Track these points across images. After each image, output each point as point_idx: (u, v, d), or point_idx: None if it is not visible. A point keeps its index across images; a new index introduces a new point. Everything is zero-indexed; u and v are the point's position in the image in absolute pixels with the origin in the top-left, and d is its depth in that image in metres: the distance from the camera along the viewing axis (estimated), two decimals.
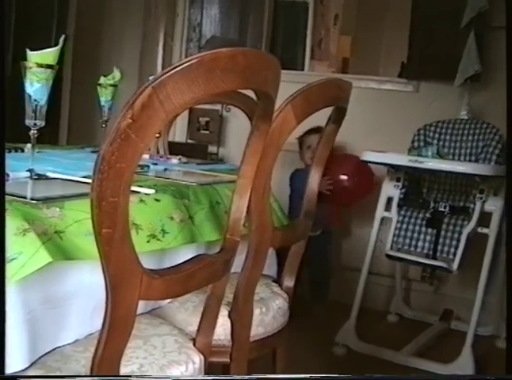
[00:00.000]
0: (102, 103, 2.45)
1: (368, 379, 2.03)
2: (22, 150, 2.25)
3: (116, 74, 2.45)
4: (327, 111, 1.86)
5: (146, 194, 1.64)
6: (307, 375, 1.42)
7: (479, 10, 3.64)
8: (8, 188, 1.42)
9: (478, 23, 3.70)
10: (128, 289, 1.16)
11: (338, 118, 1.90)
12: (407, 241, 3.37)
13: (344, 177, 3.84)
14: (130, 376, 1.35)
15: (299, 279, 2.14)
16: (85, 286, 1.46)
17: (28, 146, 1.87)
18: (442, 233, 3.29)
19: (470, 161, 3.51)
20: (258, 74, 1.28)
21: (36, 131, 1.69)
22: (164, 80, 1.05)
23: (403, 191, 3.44)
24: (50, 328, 1.40)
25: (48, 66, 1.66)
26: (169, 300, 1.83)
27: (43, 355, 1.38)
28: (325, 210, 3.72)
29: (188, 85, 1.08)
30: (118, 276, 1.13)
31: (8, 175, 1.62)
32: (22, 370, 1.30)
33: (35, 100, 1.67)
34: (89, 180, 1.07)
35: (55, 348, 1.42)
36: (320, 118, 1.88)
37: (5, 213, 1.23)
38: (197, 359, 1.52)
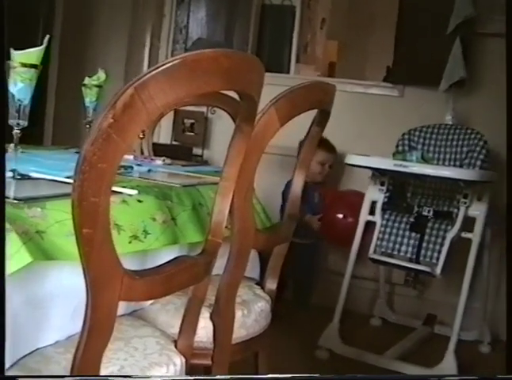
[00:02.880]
0: (87, 104, 2.43)
1: (351, 379, 2.03)
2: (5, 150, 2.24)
3: (101, 74, 2.44)
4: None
5: (128, 195, 1.63)
6: (288, 375, 1.42)
7: (465, 17, 3.66)
8: None
9: (464, 29, 3.72)
10: (109, 290, 1.15)
11: (321, 121, 1.91)
12: (391, 244, 3.38)
13: (340, 216, 3.88)
14: (110, 376, 1.35)
15: (285, 282, 2.14)
16: (66, 287, 1.45)
17: (11, 146, 1.86)
18: (426, 237, 3.30)
19: (454, 166, 3.53)
20: (241, 76, 1.28)
21: (18, 131, 1.68)
22: (146, 80, 1.05)
23: (388, 195, 3.45)
24: (30, 329, 1.40)
25: (32, 66, 1.66)
26: (151, 302, 1.82)
27: (23, 357, 1.37)
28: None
29: (170, 85, 1.08)
30: (98, 277, 1.12)
31: None
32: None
33: (18, 100, 1.67)
34: (72, 181, 1.07)
35: (36, 349, 1.42)
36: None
37: (4, 213, 1.22)
38: (178, 360, 1.52)
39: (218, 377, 1.76)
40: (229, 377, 1.77)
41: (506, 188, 1.71)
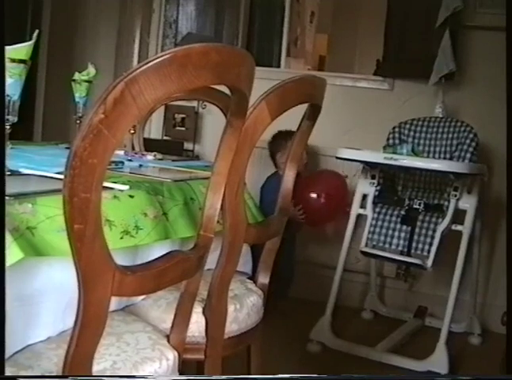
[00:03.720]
0: (77, 99, 2.43)
1: (348, 379, 2.04)
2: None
3: (91, 70, 2.43)
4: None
5: (119, 190, 1.63)
6: (287, 375, 1.42)
7: (454, 10, 3.67)
8: None
9: (452, 22, 3.73)
10: (100, 285, 1.15)
11: (312, 115, 1.90)
12: (382, 238, 3.38)
13: (314, 196, 3.86)
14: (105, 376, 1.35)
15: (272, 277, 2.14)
16: (57, 283, 1.44)
17: None
18: (417, 230, 3.31)
19: (444, 158, 3.54)
20: (232, 70, 1.27)
21: (8, 127, 1.68)
22: (136, 75, 1.05)
23: (378, 188, 3.45)
24: (21, 326, 1.39)
25: (21, 61, 1.65)
26: (142, 297, 1.82)
27: (14, 353, 1.36)
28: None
29: (160, 80, 1.08)
30: (90, 273, 1.12)
31: None
32: None
33: (8, 96, 1.66)
34: (62, 176, 1.06)
35: (27, 346, 1.41)
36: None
37: (4, 212, 1.21)
38: (171, 355, 1.52)
39: (214, 377, 1.76)
40: (224, 377, 1.77)
41: (507, 188, 1.71)
